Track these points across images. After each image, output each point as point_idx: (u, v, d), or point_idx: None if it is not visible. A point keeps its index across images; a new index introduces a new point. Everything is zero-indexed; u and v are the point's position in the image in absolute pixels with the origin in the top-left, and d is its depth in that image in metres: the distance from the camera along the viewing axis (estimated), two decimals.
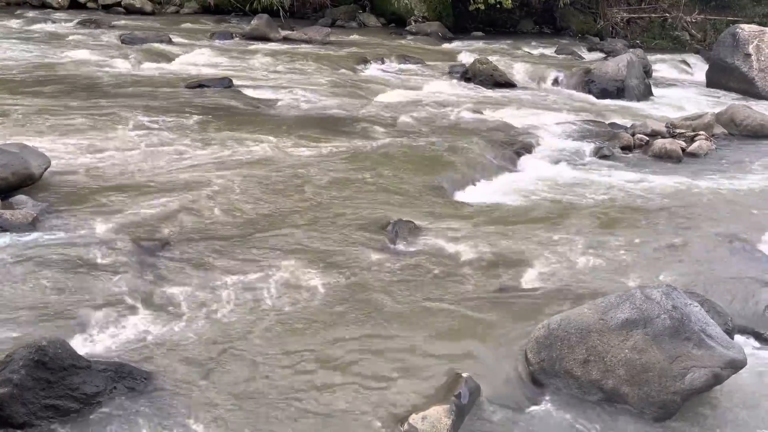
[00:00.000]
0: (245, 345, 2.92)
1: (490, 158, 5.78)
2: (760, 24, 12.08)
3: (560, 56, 12.48)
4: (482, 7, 14.59)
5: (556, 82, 9.79)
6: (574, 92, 9.33)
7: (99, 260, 3.49)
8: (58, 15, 13.26)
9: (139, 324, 3.01)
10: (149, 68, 8.72)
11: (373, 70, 9.99)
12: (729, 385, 2.78)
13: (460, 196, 5.06)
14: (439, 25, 14.59)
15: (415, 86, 8.87)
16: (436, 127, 6.61)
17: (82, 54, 9.15)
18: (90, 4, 15.01)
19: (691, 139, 6.65)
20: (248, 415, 2.53)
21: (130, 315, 3.06)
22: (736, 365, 2.72)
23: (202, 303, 3.20)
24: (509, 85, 9.25)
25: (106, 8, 14.76)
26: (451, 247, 3.95)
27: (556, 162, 6.00)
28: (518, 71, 10.22)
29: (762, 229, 4.50)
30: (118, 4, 14.86)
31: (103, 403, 2.48)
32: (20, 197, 4.06)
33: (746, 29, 10.04)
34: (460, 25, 15.22)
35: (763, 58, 9.77)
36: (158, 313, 3.10)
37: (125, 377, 2.57)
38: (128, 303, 3.15)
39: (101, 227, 3.86)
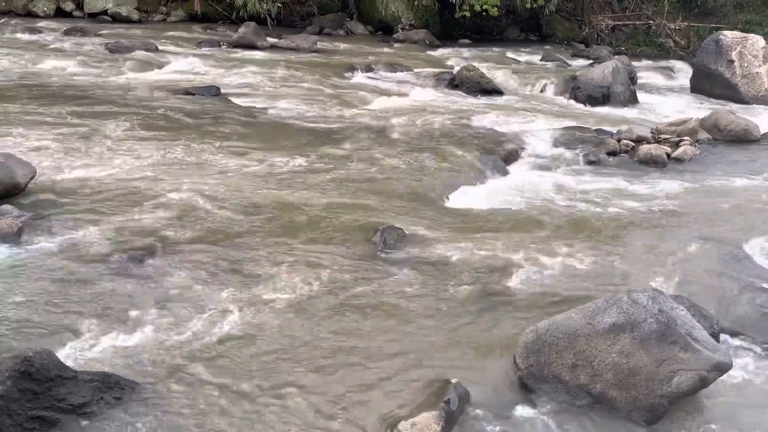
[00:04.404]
0: (234, 353, 2.90)
1: (477, 165, 5.81)
2: (742, 31, 12.25)
3: (546, 63, 12.57)
4: (468, 14, 14.68)
5: (542, 88, 9.86)
6: (560, 99, 9.40)
7: (85, 269, 3.47)
8: (43, 24, 13.19)
9: (126, 333, 2.99)
10: (136, 76, 8.69)
11: (360, 77, 10.01)
12: (715, 388, 2.81)
13: (448, 202, 5.08)
14: (426, 32, 14.66)
15: (403, 94, 8.90)
16: (423, 134, 6.63)
17: (67, 63, 9.11)
18: (76, 13, 14.95)
19: (676, 145, 6.72)
20: (237, 424, 2.51)
21: (117, 324, 3.04)
22: (722, 368, 2.75)
23: (189, 312, 3.19)
24: (496, 92, 9.30)
25: (92, 17, 14.71)
26: (439, 253, 3.96)
27: (543, 168, 6.04)
28: (505, 78, 10.29)
29: (746, 233, 4.55)
30: (105, 13, 14.81)
31: (90, 413, 2.46)
32: (5, 207, 4.02)
33: (729, 36, 10.18)
34: (447, 33, 15.30)
35: (745, 65, 9.90)
36: (145, 322, 3.08)
37: (112, 387, 2.55)
38: (115, 312, 3.13)
39: (88, 236, 3.84)
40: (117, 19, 14.58)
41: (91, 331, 2.97)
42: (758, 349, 3.25)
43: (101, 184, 4.67)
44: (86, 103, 6.93)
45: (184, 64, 9.75)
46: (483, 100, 8.80)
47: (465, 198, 5.19)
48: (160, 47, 10.82)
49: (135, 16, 14.88)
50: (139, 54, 10.13)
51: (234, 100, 7.66)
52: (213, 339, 2.99)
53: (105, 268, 3.51)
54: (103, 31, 12.47)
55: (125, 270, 3.51)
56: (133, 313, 3.13)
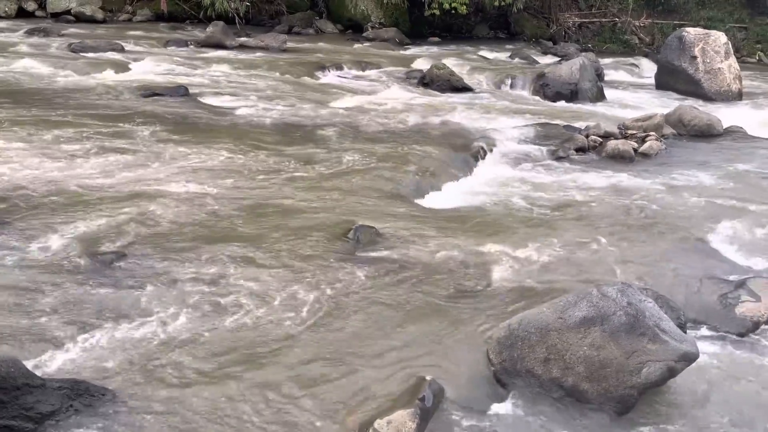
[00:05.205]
0: (204, 358, 2.87)
1: (448, 162, 5.84)
2: (705, 27, 12.54)
3: (515, 60, 12.71)
4: (438, 12, 14.76)
5: (511, 85, 9.96)
6: (529, 96, 9.50)
7: (52, 274, 3.40)
8: (4, 24, 12.89)
9: (96, 339, 2.93)
10: (101, 77, 8.54)
11: (330, 76, 9.99)
12: (683, 377, 2.87)
13: (419, 200, 5.09)
14: (396, 31, 14.70)
15: (373, 92, 8.90)
16: (394, 133, 6.65)
17: (30, 64, 8.91)
18: (38, 13, 14.65)
19: (642, 140, 6.84)
20: (211, 427, 2.49)
21: (86, 330, 2.99)
22: (690, 358, 2.81)
23: (159, 316, 3.14)
24: (466, 89, 9.36)
25: (55, 16, 14.42)
26: (412, 252, 3.97)
27: (513, 165, 6.10)
28: (475, 76, 10.37)
29: (710, 225, 4.66)
30: (68, 12, 14.53)
31: (59, 421, 2.42)
32: None
33: (692, 32, 10.39)
34: (417, 31, 15.36)
35: (708, 60, 10.12)
36: (114, 327, 3.03)
37: (82, 394, 2.51)
38: (83, 318, 3.07)
39: (53, 241, 3.76)
40: (81, 18, 14.32)
41: (59, 337, 2.92)
42: (723, 339, 3.34)
43: (65, 188, 4.58)
44: (49, 106, 6.79)
45: (151, 64, 9.62)
46: (453, 98, 8.85)
47: (436, 195, 5.22)
48: (126, 47, 10.66)
49: (99, 15, 14.62)
50: (105, 54, 9.97)
51: (203, 100, 7.58)
52: (186, 342, 2.96)
53: (73, 272, 3.44)
54: (67, 31, 12.24)
55: (94, 274, 3.45)
56: (103, 319, 3.08)
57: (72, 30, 12.56)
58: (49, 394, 2.44)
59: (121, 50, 10.43)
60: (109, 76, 8.68)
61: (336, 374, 2.82)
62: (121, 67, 9.27)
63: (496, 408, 2.75)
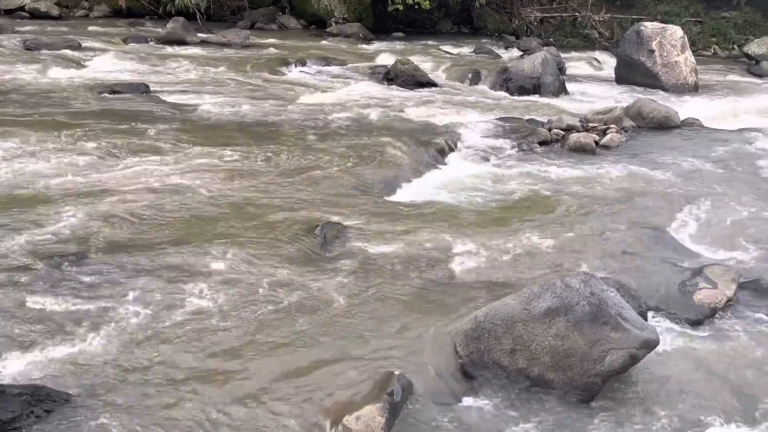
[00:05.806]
0: (168, 361, 2.83)
1: (414, 157, 5.86)
2: (662, 21, 12.82)
3: (479, 55, 12.80)
4: (401, 7, 14.78)
5: (475, 80, 10.03)
6: (492, 90, 9.58)
7: (9, 279, 3.31)
8: None
9: (56, 344, 2.87)
10: (57, 75, 8.31)
11: (294, 72, 9.92)
12: (645, 364, 2.94)
13: (385, 195, 5.10)
14: (360, 26, 14.66)
15: (338, 88, 8.87)
16: (359, 129, 6.63)
17: None
18: None
19: (603, 132, 6.97)
20: (174, 430, 2.46)
21: (46, 335, 2.91)
22: (650, 345, 2.88)
23: (120, 319, 3.09)
24: (431, 84, 9.40)
25: (9, 13, 14.01)
26: (378, 247, 3.98)
27: (478, 159, 6.15)
28: (439, 71, 10.41)
29: (669, 214, 4.78)
30: (22, 9, 14.12)
31: (20, 428, 2.36)
32: None
33: (649, 27, 10.61)
34: (381, 26, 15.35)
35: (665, 54, 10.35)
36: (75, 331, 2.97)
37: (43, 400, 2.45)
38: (43, 323, 3.00)
39: (10, 244, 3.65)
40: (36, 15, 13.93)
41: (17, 343, 2.84)
42: (682, 325, 3.43)
43: (22, 189, 4.46)
44: (2, 105, 6.59)
45: (109, 61, 9.41)
46: (418, 93, 8.87)
47: (402, 191, 5.23)
48: (83, 44, 10.40)
49: (55, 11, 14.25)
50: (61, 52, 9.71)
51: (164, 97, 7.45)
52: (146, 345, 2.91)
53: (27, 277, 3.35)
54: (21, 28, 11.88)
55: (49, 278, 3.36)
56: (61, 323, 3.01)
57: (27, 27, 12.21)
58: (9, 400, 2.38)
59: (79, 47, 10.17)
60: (65, 73, 8.46)
61: (304, 371, 2.81)
62: (78, 64, 9.05)
63: (465, 400, 2.78)
